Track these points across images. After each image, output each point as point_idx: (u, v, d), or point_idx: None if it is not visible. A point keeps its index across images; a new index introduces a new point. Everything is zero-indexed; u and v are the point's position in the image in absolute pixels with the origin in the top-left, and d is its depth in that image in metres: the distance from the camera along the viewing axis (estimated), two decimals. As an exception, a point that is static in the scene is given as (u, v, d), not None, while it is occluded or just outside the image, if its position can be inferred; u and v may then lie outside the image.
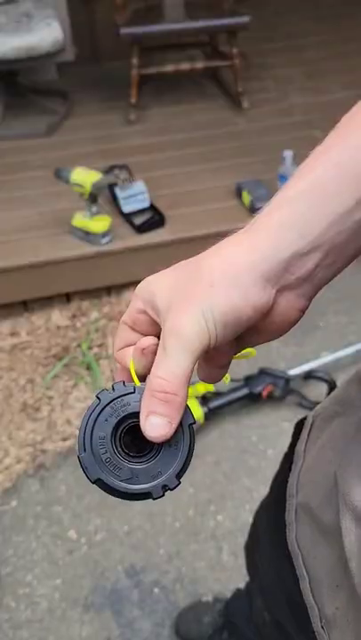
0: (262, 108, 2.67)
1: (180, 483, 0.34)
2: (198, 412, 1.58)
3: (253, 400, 1.71)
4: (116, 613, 1.35)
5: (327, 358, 1.78)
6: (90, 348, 1.92)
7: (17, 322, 2.03)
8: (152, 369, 0.34)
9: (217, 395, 1.66)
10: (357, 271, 2.38)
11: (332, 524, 0.42)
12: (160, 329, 0.35)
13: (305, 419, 0.54)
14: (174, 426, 0.33)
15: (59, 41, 2.34)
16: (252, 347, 0.38)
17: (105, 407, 0.35)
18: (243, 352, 0.39)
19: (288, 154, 1.97)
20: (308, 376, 1.74)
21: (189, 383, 0.34)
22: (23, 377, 1.85)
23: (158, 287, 0.35)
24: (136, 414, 0.34)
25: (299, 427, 0.55)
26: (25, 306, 2.07)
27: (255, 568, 0.82)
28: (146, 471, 0.35)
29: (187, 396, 0.34)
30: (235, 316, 0.33)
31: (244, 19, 2.39)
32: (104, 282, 2.06)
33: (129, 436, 0.35)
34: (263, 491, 0.74)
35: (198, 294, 0.33)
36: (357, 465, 0.40)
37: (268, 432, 1.67)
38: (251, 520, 0.88)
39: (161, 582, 1.40)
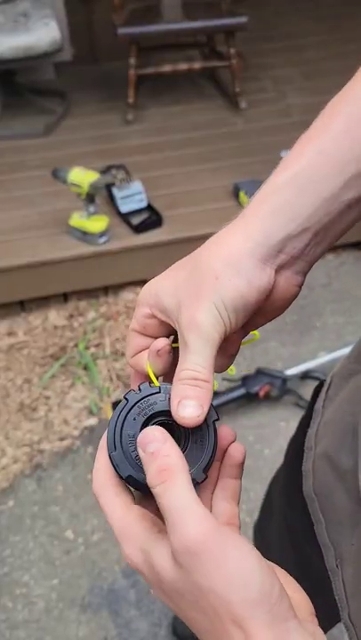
0: (260, 108, 2.67)
1: (207, 477, 0.36)
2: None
3: (250, 400, 1.71)
4: (114, 613, 1.35)
5: (324, 358, 1.79)
6: (87, 347, 1.92)
7: (14, 322, 2.03)
8: (178, 366, 0.35)
9: (214, 394, 1.66)
10: (354, 272, 2.39)
11: (350, 469, 0.44)
12: (170, 329, 0.38)
13: (324, 381, 0.56)
14: (205, 409, 0.34)
15: (56, 41, 2.34)
16: (256, 329, 0.40)
17: (133, 407, 0.36)
18: (248, 337, 0.41)
19: (286, 154, 1.97)
20: (306, 376, 1.75)
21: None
22: (20, 377, 1.85)
23: (163, 289, 0.37)
24: (163, 412, 0.36)
25: (317, 390, 0.56)
26: (22, 306, 2.06)
27: (266, 544, 0.84)
28: None
29: (213, 387, 0.35)
30: (243, 302, 0.34)
31: (242, 19, 2.40)
32: (101, 282, 2.06)
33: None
34: (260, 490, 0.74)
35: (206, 288, 0.34)
36: None
37: (265, 432, 1.67)
38: (248, 519, 0.89)
39: (158, 582, 1.40)
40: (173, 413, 0.34)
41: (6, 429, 1.71)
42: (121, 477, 0.35)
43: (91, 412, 1.75)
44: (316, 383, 1.84)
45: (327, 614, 0.42)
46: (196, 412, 0.34)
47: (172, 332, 0.39)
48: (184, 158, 2.37)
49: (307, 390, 1.75)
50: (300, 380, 1.75)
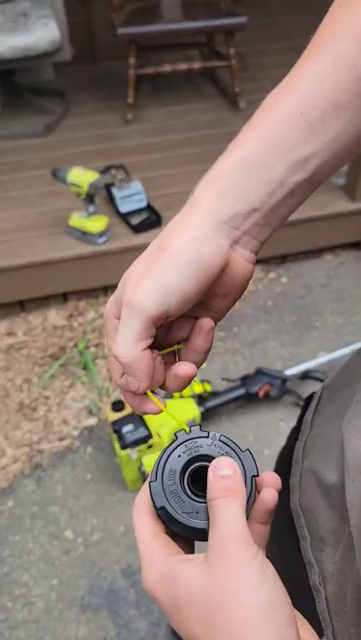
0: None
1: None
2: (195, 411, 1.58)
3: (250, 400, 1.71)
4: (113, 613, 1.35)
5: (324, 358, 1.79)
6: (87, 347, 1.92)
7: (14, 321, 2.03)
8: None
9: (214, 394, 1.66)
10: (353, 272, 2.39)
11: (334, 484, 0.44)
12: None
13: (315, 392, 0.56)
14: (144, 383, 0.37)
15: (56, 41, 2.34)
16: (220, 312, 0.40)
17: (180, 445, 0.38)
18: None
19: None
20: (305, 376, 1.75)
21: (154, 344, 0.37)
22: (20, 377, 1.85)
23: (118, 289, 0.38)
24: (206, 457, 0.37)
25: (308, 400, 0.56)
26: (22, 305, 2.07)
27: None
28: (207, 510, 0.36)
29: (148, 358, 0.37)
30: (193, 276, 0.35)
31: (242, 19, 2.40)
32: (101, 282, 2.06)
33: (198, 476, 0.37)
34: (260, 490, 0.74)
35: (154, 263, 0.35)
36: None
37: (264, 432, 1.67)
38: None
39: (157, 582, 1.40)
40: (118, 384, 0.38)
41: (6, 429, 1.71)
42: (155, 507, 0.37)
43: (90, 412, 1.75)
44: (315, 383, 1.83)
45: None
46: (134, 386, 0.37)
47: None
48: (184, 158, 2.37)
49: (306, 390, 1.75)
50: (299, 380, 1.75)
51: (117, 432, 1.43)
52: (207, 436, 0.38)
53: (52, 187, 2.12)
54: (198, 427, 0.39)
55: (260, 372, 1.72)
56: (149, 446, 1.44)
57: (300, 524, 0.50)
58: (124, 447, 1.41)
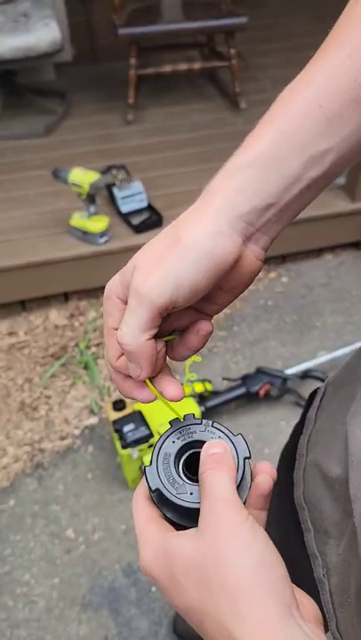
0: (260, 108, 2.60)
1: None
2: (195, 410, 1.58)
3: (250, 399, 1.71)
4: (114, 612, 1.36)
5: (324, 358, 1.79)
6: (88, 347, 1.93)
7: (15, 321, 2.03)
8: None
9: (214, 394, 1.67)
10: (354, 271, 2.39)
11: (338, 477, 0.45)
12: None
13: (318, 388, 0.57)
14: (144, 371, 0.38)
15: (57, 41, 2.35)
16: (222, 306, 0.40)
17: (174, 431, 0.39)
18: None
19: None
20: (306, 375, 1.75)
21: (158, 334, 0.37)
22: (21, 376, 1.85)
23: (124, 269, 0.39)
24: (200, 442, 0.38)
25: (311, 396, 0.57)
26: (23, 305, 2.07)
27: None
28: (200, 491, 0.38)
29: (152, 347, 0.37)
30: (205, 268, 0.35)
31: (242, 19, 2.40)
32: (102, 281, 2.04)
33: (192, 461, 0.39)
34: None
35: (167, 253, 0.35)
36: None
37: (265, 431, 1.68)
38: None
39: (158, 581, 1.40)
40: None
41: (7, 429, 1.72)
42: (150, 490, 0.38)
43: (91, 412, 1.76)
44: (316, 383, 1.84)
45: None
46: (135, 372, 0.38)
47: None
48: (184, 158, 2.37)
49: (307, 390, 1.75)
50: (300, 379, 1.75)
51: (118, 431, 1.43)
52: (200, 423, 0.39)
53: (53, 187, 2.12)
54: (192, 415, 0.40)
55: (260, 372, 1.72)
56: (150, 445, 1.44)
57: (304, 517, 0.50)
58: (124, 446, 1.41)
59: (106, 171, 2.09)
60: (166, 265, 0.35)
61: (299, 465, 0.53)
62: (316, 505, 0.49)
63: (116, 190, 2.04)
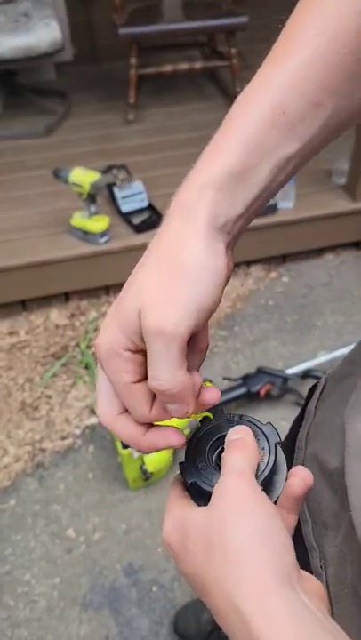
0: None
1: (262, 489, 0.37)
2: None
3: (251, 399, 1.71)
4: (115, 612, 1.36)
5: (324, 357, 1.79)
6: (88, 347, 1.93)
7: (15, 321, 2.03)
8: (148, 371, 0.35)
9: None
10: (354, 271, 2.39)
11: (336, 469, 0.45)
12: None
13: (318, 381, 0.57)
14: (192, 406, 0.36)
15: (57, 41, 2.35)
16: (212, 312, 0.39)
17: (205, 428, 0.40)
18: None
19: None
20: (306, 375, 1.75)
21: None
22: (22, 376, 1.85)
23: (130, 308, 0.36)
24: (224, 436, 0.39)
25: (311, 390, 0.57)
26: (23, 305, 2.07)
27: None
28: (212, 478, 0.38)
29: (190, 379, 0.35)
30: (213, 294, 0.34)
31: (243, 19, 2.40)
32: (103, 281, 2.07)
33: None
34: (261, 488, 0.75)
35: (174, 288, 0.34)
36: None
37: (265, 431, 1.68)
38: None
39: (159, 581, 1.40)
40: (170, 411, 0.36)
41: (8, 428, 1.72)
42: (186, 484, 0.38)
43: (92, 412, 1.76)
44: (315, 382, 1.83)
45: None
46: (182, 411, 0.35)
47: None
48: (185, 158, 2.36)
49: (307, 389, 1.75)
50: (300, 379, 1.75)
51: (119, 431, 1.43)
52: (229, 418, 0.41)
53: (54, 187, 2.12)
54: (221, 411, 0.41)
55: (261, 372, 1.72)
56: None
57: (302, 509, 0.50)
58: (125, 446, 1.41)
59: (106, 170, 2.09)
60: (181, 295, 0.33)
61: (298, 457, 0.54)
62: (314, 497, 0.49)
63: (116, 190, 2.04)
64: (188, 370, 0.35)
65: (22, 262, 1.94)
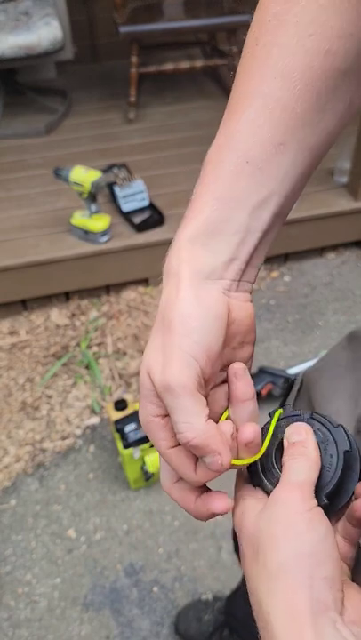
0: None
1: (327, 502, 0.36)
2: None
3: (253, 399, 1.71)
4: (116, 612, 1.35)
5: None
6: (89, 346, 1.92)
7: (16, 321, 2.03)
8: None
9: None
10: (356, 270, 2.38)
11: None
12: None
13: (295, 379, 0.58)
14: (225, 455, 0.35)
15: (58, 40, 2.34)
16: (246, 362, 0.40)
17: (275, 424, 0.40)
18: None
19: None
20: (308, 375, 1.74)
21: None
22: (22, 376, 1.85)
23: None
24: None
25: (289, 386, 0.58)
26: (24, 305, 2.07)
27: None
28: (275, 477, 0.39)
29: (214, 427, 0.35)
30: (208, 341, 0.35)
31: (244, 17, 2.39)
32: (103, 281, 2.06)
33: None
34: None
35: (167, 345, 0.35)
36: (344, 393, 0.45)
37: (267, 431, 1.67)
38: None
39: (160, 581, 1.40)
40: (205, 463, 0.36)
41: (9, 428, 1.71)
42: (253, 485, 0.39)
43: (93, 412, 1.75)
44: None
45: None
46: (217, 464, 0.35)
47: None
48: (186, 157, 2.37)
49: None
50: (302, 378, 1.75)
51: (120, 431, 1.43)
52: (299, 415, 0.40)
53: (54, 186, 2.12)
54: (290, 406, 0.41)
55: (262, 371, 1.71)
56: (152, 445, 1.44)
57: None
58: (126, 446, 1.41)
59: (107, 169, 2.08)
60: (175, 350, 0.34)
61: None
62: None
63: (117, 189, 2.04)
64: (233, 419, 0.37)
65: (23, 262, 1.94)
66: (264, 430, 0.39)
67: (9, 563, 1.45)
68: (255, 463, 0.39)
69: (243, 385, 0.38)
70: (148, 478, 1.52)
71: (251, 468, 0.39)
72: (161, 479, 0.39)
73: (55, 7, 2.54)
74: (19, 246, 1.99)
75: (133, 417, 1.45)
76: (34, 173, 2.32)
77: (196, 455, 0.35)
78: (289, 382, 0.60)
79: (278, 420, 0.40)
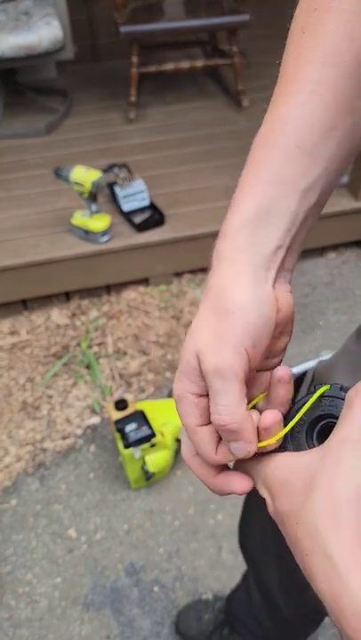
0: (262, 106, 2.63)
1: None
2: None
3: (253, 399, 1.71)
4: (116, 612, 1.35)
5: (327, 357, 1.78)
6: (89, 346, 1.92)
7: (16, 320, 2.03)
8: (211, 408, 0.37)
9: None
10: (357, 270, 2.38)
11: None
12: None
13: (304, 374, 0.58)
14: (254, 444, 0.36)
15: (58, 39, 2.34)
16: (282, 353, 0.43)
17: (317, 398, 0.38)
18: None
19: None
20: (308, 375, 1.74)
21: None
22: (23, 376, 1.85)
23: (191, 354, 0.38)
24: (336, 417, 0.37)
25: (298, 382, 0.58)
26: (24, 304, 2.07)
27: (252, 541, 0.85)
28: None
29: (251, 417, 0.37)
30: (261, 331, 0.37)
31: (244, 17, 2.39)
32: (104, 280, 2.06)
33: (326, 433, 0.37)
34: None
35: (223, 329, 0.36)
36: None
37: (267, 431, 1.67)
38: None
39: (161, 581, 1.40)
40: (231, 449, 0.37)
41: (9, 428, 1.71)
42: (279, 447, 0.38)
43: (93, 411, 1.75)
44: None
45: (312, 616, 0.43)
46: (246, 450, 0.36)
47: None
48: (186, 157, 2.37)
49: (309, 389, 1.75)
50: (302, 378, 1.74)
51: (120, 431, 1.43)
52: (343, 398, 0.38)
53: (55, 186, 2.12)
54: (339, 387, 0.38)
55: (263, 371, 1.71)
56: (152, 445, 1.44)
57: None
58: (127, 446, 1.41)
59: (107, 169, 2.08)
60: (229, 338, 0.36)
61: None
62: None
63: (117, 189, 2.04)
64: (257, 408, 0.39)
65: (23, 261, 1.94)
66: (299, 403, 0.39)
67: (9, 562, 1.45)
68: (284, 437, 0.38)
69: (285, 392, 0.39)
70: (149, 478, 1.52)
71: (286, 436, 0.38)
72: (182, 450, 0.41)
73: (55, 7, 2.54)
74: (19, 246, 1.99)
75: (134, 417, 1.45)
76: (34, 173, 2.32)
77: (225, 439, 0.37)
78: (295, 380, 0.60)
79: (321, 396, 0.38)
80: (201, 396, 0.38)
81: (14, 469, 1.62)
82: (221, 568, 1.41)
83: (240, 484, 0.38)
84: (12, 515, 1.53)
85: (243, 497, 1.54)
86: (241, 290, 0.36)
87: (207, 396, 0.38)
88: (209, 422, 0.38)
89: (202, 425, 0.38)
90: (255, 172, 0.38)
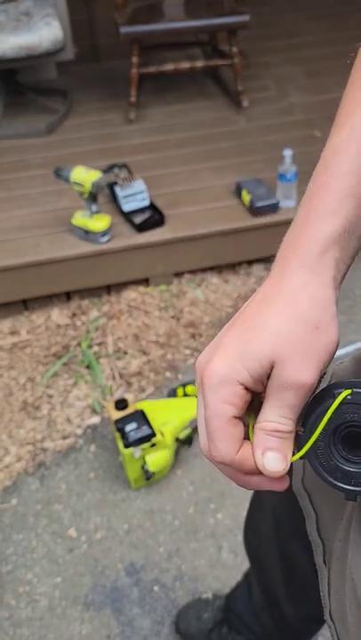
0: (262, 106, 2.66)
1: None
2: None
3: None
4: (116, 611, 1.36)
5: None
6: (90, 346, 1.92)
7: (17, 320, 2.03)
8: (261, 414, 0.37)
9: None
10: (356, 270, 2.37)
11: None
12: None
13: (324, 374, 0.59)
14: (288, 461, 0.37)
15: (58, 40, 2.34)
16: None
17: (340, 405, 0.37)
18: None
19: (288, 153, 1.97)
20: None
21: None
22: (23, 375, 1.85)
23: (254, 353, 0.37)
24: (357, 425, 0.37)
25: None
26: (25, 304, 2.07)
27: (257, 538, 0.86)
28: (349, 474, 0.37)
29: (294, 432, 0.37)
30: (337, 331, 0.38)
31: (244, 17, 2.39)
32: (104, 280, 2.06)
33: (349, 438, 0.38)
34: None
35: (310, 342, 0.36)
36: None
37: (267, 430, 1.67)
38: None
39: (161, 580, 1.40)
40: (257, 462, 0.36)
41: (9, 428, 1.72)
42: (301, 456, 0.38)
43: (93, 411, 1.75)
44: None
45: (312, 617, 0.43)
46: (281, 465, 0.36)
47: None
48: (186, 157, 2.37)
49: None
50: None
51: (121, 430, 1.43)
52: None
53: (55, 186, 2.13)
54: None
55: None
56: (153, 445, 1.44)
57: (304, 503, 0.51)
58: (127, 445, 1.41)
59: (108, 169, 2.09)
60: (316, 351, 0.36)
61: None
62: (319, 492, 0.49)
63: (117, 189, 2.04)
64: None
65: (23, 261, 1.94)
66: (320, 411, 0.37)
67: (10, 562, 1.45)
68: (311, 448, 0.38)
69: None
70: (149, 477, 1.52)
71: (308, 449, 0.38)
72: (202, 443, 0.39)
73: (56, 7, 2.54)
74: (19, 246, 1.99)
75: (134, 416, 1.45)
76: (34, 173, 2.32)
77: (267, 447, 0.36)
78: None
79: (341, 403, 0.37)
80: (248, 391, 0.37)
81: (15, 469, 1.62)
82: (221, 567, 1.41)
83: (279, 485, 0.38)
84: (12, 514, 1.54)
85: (243, 496, 1.54)
86: (328, 306, 0.37)
87: (252, 393, 0.37)
88: (240, 418, 0.37)
89: (236, 418, 0.37)
90: (338, 180, 0.39)
